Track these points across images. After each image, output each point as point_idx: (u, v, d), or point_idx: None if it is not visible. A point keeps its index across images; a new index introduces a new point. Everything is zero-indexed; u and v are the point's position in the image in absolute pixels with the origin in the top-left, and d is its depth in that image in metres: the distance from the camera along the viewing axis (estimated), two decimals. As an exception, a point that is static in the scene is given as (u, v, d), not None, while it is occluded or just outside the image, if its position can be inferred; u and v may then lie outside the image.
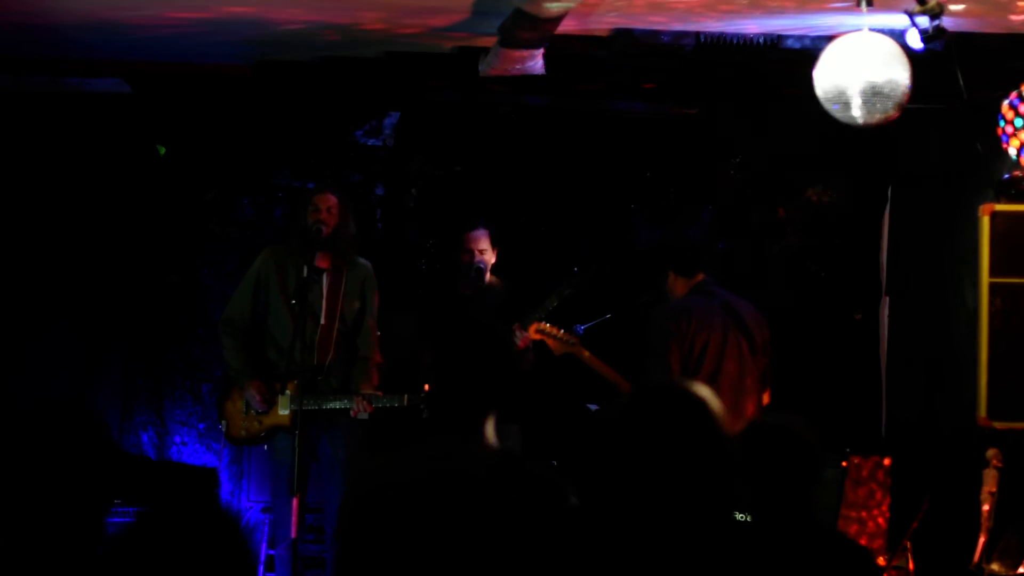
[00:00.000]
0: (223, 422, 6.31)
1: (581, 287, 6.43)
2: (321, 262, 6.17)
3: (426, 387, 5.95)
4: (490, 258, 6.74)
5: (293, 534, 5.74)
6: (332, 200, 6.16)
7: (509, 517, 2.97)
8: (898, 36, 4.61)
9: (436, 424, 3.13)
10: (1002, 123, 5.73)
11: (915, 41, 4.60)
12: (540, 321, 6.26)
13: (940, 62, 5.15)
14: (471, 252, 6.69)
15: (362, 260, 6.34)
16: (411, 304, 7.00)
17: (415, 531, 2.99)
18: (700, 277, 5.90)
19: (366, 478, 3.18)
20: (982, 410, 6.01)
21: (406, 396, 6.05)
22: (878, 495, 6.48)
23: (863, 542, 6.30)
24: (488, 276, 6.73)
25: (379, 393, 6.10)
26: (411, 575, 2.99)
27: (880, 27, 4.70)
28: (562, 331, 6.18)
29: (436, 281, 7.27)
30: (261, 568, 6.81)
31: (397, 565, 3.00)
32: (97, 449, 2.69)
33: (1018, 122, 5.69)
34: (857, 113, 4.49)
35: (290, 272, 6.15)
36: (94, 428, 2.67)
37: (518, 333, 6.30)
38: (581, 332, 6.25)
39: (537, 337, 6.26)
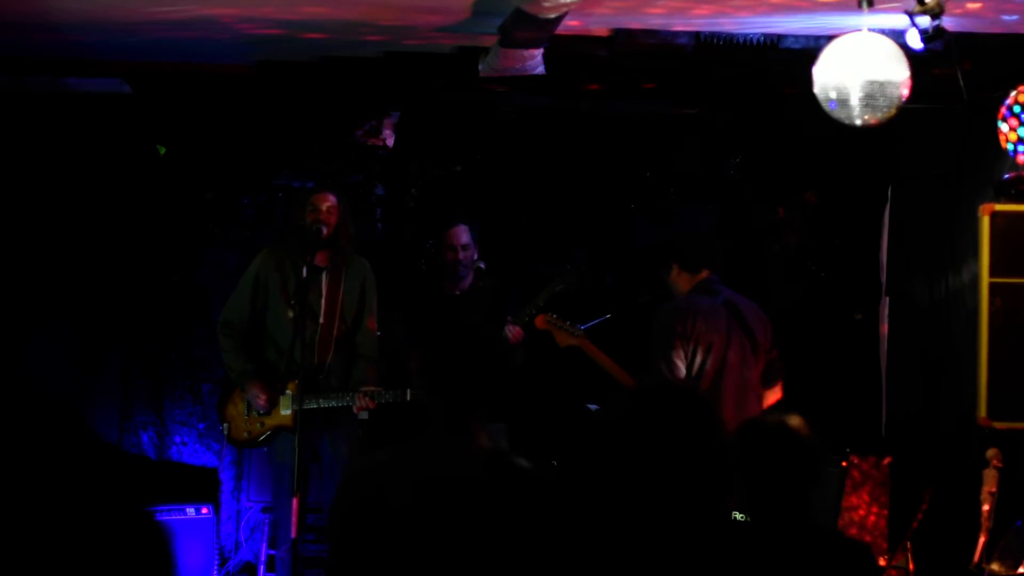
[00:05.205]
0: (224, 425, 6.29)
1: (572, 284, 6.42)
2: (320, 261, 6.16)
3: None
4: (473, 254, 6.71)
5: (293, 534, 5.74)
6: (331, 200, 6.16)
7: (503, 517, 2.97)
8: (898, 36, 4.61)
9: (427, 425, 3.14)
10: (1002, 123, 5.73)
11: (915, 41, 4.60)
12: (532, 316, 6.25)
13: (940, 62, 5.15)
14: (454, 249, 6.66)
15: (361, 259, 6.34)
16: (401, 304, 6.99)
17: (407, 531, 2.99)
18: (704, 274, 5.84)
19: (357, 479, 3.19)
20: (982, 410, 6.00)
21: (409, 390, 6.04)
22: (878, 495, 6.48)
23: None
24: (472, 274, 6.72)
25: (381, 389, 6.10)
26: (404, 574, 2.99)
27: (880, 27, 4.70)
28: (568, 323, 6.18)
29: (423, 281, 7.24)
30: (262, 568, 6.82)
31: (389, 565, 3.00)
32: (95, 449, 2.69)
33: (1002, 124, 5.70)
34: (856, 113, 4.49)
35: (289, 272, 6.14)
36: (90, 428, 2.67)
37: (510, 328, 6.30)
38: (580, 332, 6.25)
39: (544, 327, 6.24)
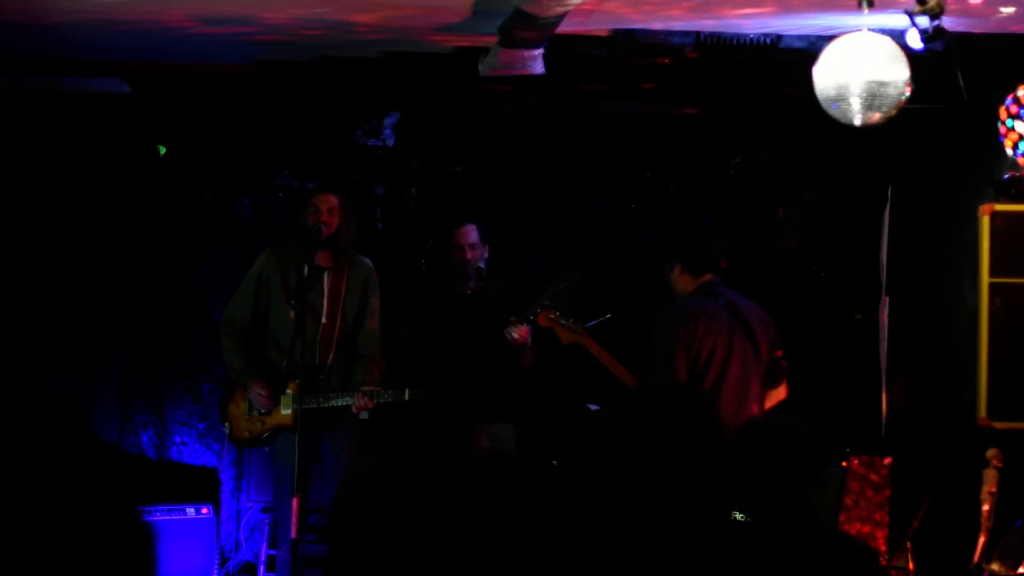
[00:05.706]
0: (226, 424, 6.31)
1: (576, 282, 6.40)
2: (322, 261, 6.17)
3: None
4: (482, 253, 6.68)
5: (293, 534, 5.74)
6: (333, 200, 6.16)
7: (502, 517, 2.97)
8: (898, 36, 4.61)
9: (427, 424, 3.14)
10: (1015, 122, 5.72)
11: (915, 41, 4.60)
12: (536, 315, 6.24)
13: (940, 62, 5.16)
14: (463, 248, 6.64)
15: (363, 259, 6.34)
16: (409, 304, 6.99)
17: (406, 531, 2.99)
18: (707, 277, 5.79)
19: (357, 479, 3.19)
20: (982, 410, 6.00)
21: (408, 390, 6.05)
22: (878, 495, 6.48)
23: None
24: (483, 274, 6.72)
25: (380, 389, 6.11)
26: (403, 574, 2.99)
27: (880, 27, 4.70)
28: (571, 320, 6.16)
29: (431, 281, 7.24)
30: (262, 568, 6.82)
31: (388, 565, 3.00)
32: (95, 449, 2.70)
33: (1014, 123, 5.69)
34: (856, 113, 4.49)
35: (291, 272, 6.15)
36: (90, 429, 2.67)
37: (515, 328, 6.28)
38: (583, 329, 6.24)
39: (547, 325, 6.22)
